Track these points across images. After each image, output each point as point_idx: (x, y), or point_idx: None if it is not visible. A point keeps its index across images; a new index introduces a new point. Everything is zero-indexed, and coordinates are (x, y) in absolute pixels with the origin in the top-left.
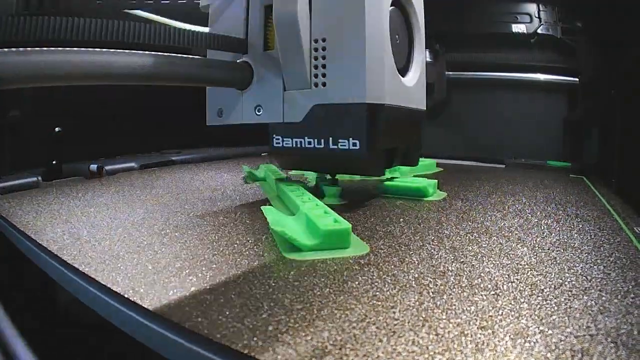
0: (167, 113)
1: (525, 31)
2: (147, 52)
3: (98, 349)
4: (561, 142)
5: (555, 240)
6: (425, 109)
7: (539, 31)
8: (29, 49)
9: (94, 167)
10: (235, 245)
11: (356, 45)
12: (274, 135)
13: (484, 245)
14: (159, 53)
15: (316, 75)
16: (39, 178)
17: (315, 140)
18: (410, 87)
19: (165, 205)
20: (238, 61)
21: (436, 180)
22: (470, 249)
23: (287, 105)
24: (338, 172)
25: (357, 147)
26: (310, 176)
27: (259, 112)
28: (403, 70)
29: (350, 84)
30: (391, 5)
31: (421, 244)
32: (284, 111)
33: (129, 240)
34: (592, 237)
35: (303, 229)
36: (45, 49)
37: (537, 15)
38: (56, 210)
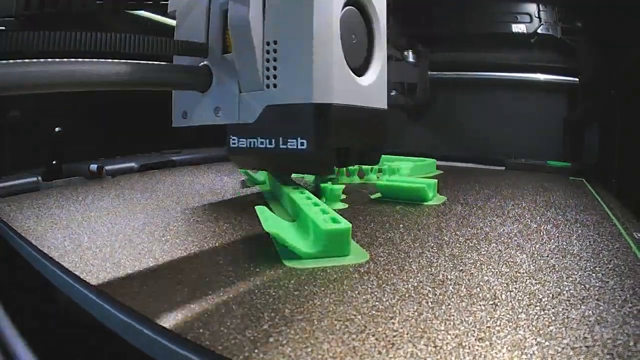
0: (167, 113)
1: (525, 31)
2: (114, 60)
3: (98, 349)
4: (561, 142)
5: (554, 246)
6: (386, 107)
7: (539, 31)
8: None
9: (94, 167)
10: (236, 253)
11: (304, 47)
12: (231, 136)
13: (483, 253)
14: (126, 61)
15: (268, 77)
16: (39, 178)
17: (267, 140)
18: (366, 86)
19: (166, 210)
20: (199, 65)
21: (436, 180)
22: (470, 256)
23: (242, 107)
24: (289, 171)
25: (305, 147)
26: (310, 178)
27: (218, 113)
28: (360, 70)
29: (298, 84)
30: (347, 5)
31: (421, 251)
32: (239, 112)
33: (130, 247)
34: (591, 243)
35: (303, 233)
36: (25, 61)
37: (537, 15)
38: (57, 214)
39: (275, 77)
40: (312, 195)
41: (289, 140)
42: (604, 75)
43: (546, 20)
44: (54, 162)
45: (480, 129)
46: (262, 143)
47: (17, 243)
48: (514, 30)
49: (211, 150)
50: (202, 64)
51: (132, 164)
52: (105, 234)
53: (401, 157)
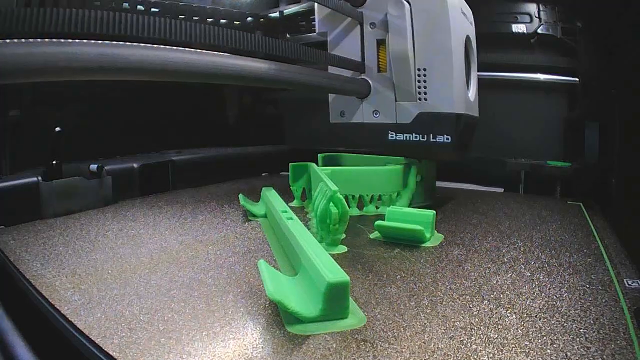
0: (167, 113)
1: (525, 31)
2: (299, 66)
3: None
4: (561, 142)
5: (543, 303)
6: (478, 115)
7: (539, 31)
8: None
9: (94, 167)
10: (241, 314)
11: (447, 73)
12: (389, 132)
13: (474, 313)
14: (310, 67)
15: (419, 92)
16: (39, 178)
17: (420, 135)
18: (472, 101)
19: (170, 254)
20: (358, 78)
21: (434, 213)
22: (461, 318)
23: (399, 111)
24: (432, 158)
25: (450, 141)
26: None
27: (376, 115)
28: (467, 88)
29: (444, 99)
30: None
31: (415, 312)
32: (396, 115)
33: (139, 304)
34: (581, 295)
35: (304, 290)
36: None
37: (537, 15)
38: (62, 254)
39: (425, 92)
40: (311, 238)
41: (437, 136)
42: (604, 75)
43: (546, 20)
44: (54, 162)
45: (480, 128)
46: (416, 137)
47: (26, 288)
48: (514, 30)
49: (211, 150)
50: (360, 77)
51: (132, 164)
52: (113, 285)
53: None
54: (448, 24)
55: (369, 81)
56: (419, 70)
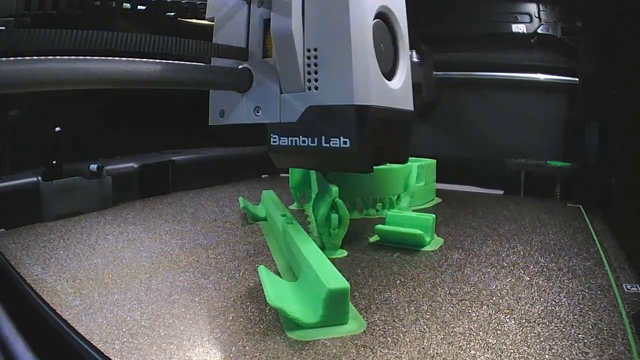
0: (167, 113)
1: (525, 31)
2: (157, 60)
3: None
4: (561, 142)
5: (542, 308)
6: (412, 109)
7: (539, 31)
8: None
9: (94, 167)
10: (241, 320)
11: (344, 54)
12: (272, 135)
13: (474, 318)
14: (168, 61)
15: (309, 80)
16: (39, 178)
17: (309, 138)
18: (396, 90)
19: (170, 259)
20: (239, 67)
21: (434, 217)
22: (461, 323)
23: (284, 107)
24: (329, 169)
25: (348, 145)
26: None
27: (257, 113)
28: (389, 75)
29: (339, 87)
30: (375, 19)
31: (415, 317)
32: (280, 112)
33: (140, 309)
34: (580, 300)
35: (305, 295)
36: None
37: (537, 15)
38: (63, 259)
39: (316, 80)
40: (311, 243)
41: (331, 138)
42: (604, 75)
43: (546, 20)
44: (54, 162)
45: (480, 128)
46: (304, 141)
47: (27, 292)
48: (514, 30)
49: (211, 150)
50: (241, 66)
51: (132, 164)
52: (114, 290)
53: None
54: None
55: (251, 70)
56: (308, 51)
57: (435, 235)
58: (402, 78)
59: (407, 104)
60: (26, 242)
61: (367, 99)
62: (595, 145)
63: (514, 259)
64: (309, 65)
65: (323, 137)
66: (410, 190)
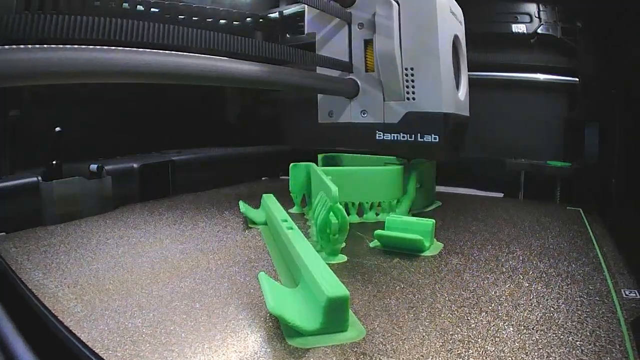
0: (167, 113)
1: (525, 31)
2: (290, 68)
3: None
4: (561, 142)
5: (541, 315)
6: (469, 115)
7: (539, 31)
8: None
9: (94, 167)
10: (242, 326)
11: (435, 74)
12: (377, 131)
13: (472, 325)
14: (299, 70)
15: (407, 92)
16: (39, 178)
17: (408, 135)
18: (462, 100)
19: (171, 264)
20: (347, 78)
21: (433, 222)
22: (460, 330)
23: (387, 111)
24: (421, 158)
25: (437, 140)
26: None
27: (364, 115)
28: (456, 87)
29: (432, 98)
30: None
31: (414, 324)
32: (384, 115)
33: (141, 315)
34: (579, 307)
35: (305, 302)
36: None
37: (537, 15)
38: (64, 264)
39: (413, 92)
40: (311, 249)
41: (425, 135)
42: (604, 75)
43: (546, 20)
44: (54, 162)
45: (480, 128)
46: (403, 137)
47: (28, 298)
48: (514, 30)
49: (211, 150)
50: (348, 77)
51: (132, 164)
52: (115, 296)
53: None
54: (435, 23)
55: (357, 81)
56: (406, 70)
57: (435, 240)
58: (464, 91)
59: (467, 111)
60: (27, 247)
61: (450, 107)
62: (595, 145)
63: (513, 264)
64: (407, 80)
65: (419, 134)
66: (410, 194)
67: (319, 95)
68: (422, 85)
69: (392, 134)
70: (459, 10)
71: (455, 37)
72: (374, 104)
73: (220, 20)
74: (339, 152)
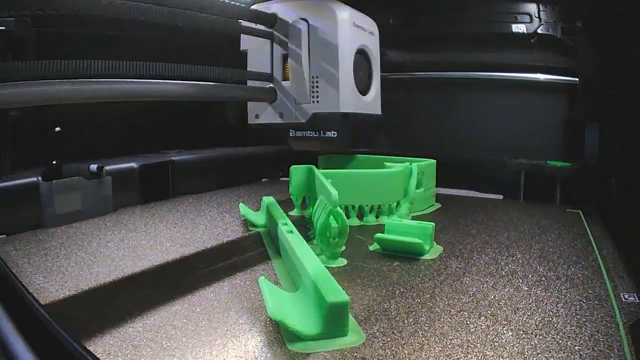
0: (167, 113)
1: (525, 31)
2: (213, 83)
3: None
4: (561, 142)
5: (540, 319)
6: (380, 113)
7: (539, 31)
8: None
9: (93, 167)
10: (243, 331)
11: (334, 80)
12: (290, 130)
13: (472, 330)
14: (222, 84)
15: (313, 96)
16: (39, 178)
17: (314, 132)
18: (368, 101)
19: (172, 268)
20: (267, 87)
21: (433, 225)
22: (459, 335)
23: (298, 113)
24: (325, 151)
25: (335, 136)
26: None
27: (281, 117)
28: (365, 91)
29: (332, 100)
30: (356, 53)
31: (414, 329)
32: (295, 116)
33: (142, 320)
34: (578, 311)
35: (305, 306)
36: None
37: (537, 15)
38: (64, 267)
39: (317, 96)
40: (311, 253)
41: (327, 132)
42: (604, 75)
43: (546, 20)
44: (54, 162)
45: (480, 128)
46: (310, 133)
47: (30, 302)
48: (514, 30)
49: (211, 150)
50: (268, 86)
51: (132, 164)
52: (117, 301)
53: (401, 157)
54: (336, 38)
55: (276, 89)
56: (312, 77)
57: (435, 243)
58: (374, 92)
59: (375, 110)
60: (27, 249)
61: (347, 108)
62: (595, 145)
63: (513, 267)
64: (313, 86)
65: (321, 131)
66: (410, 197)
67: (248, 102)
68: (325, 90)
69: (302, 132)
70: (368, 22)
71: (363, 48)
72: (288, 107)
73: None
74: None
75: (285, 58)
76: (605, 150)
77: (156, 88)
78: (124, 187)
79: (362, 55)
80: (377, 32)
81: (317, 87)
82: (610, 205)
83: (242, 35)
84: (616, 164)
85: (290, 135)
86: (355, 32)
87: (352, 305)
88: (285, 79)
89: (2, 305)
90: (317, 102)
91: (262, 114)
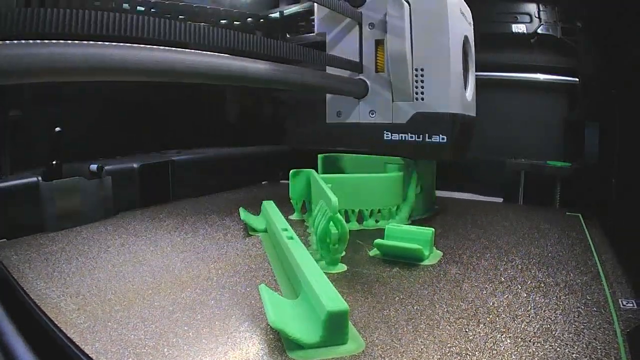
0: (167, 113)
1: (525, 31)
2: (300, 68)
3: None
4: (561, 142)
5: (538, 327)
6: (475, 116)
7: (539, 31)
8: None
9: (94, 167)
10: (243, 339)
11: (444, 76)
12: (385, 132)
13: (470, 337)
14: (308, 68)
15: (416, 92)
16: (39, 178)
17: (415, 135)
18: (469, 101)
19: (172, 273)
20: (356, 78)
21: (433, 231)
22: (457, 343)
23: (395, 111)
24: (428, 158)
25: (445, 141)
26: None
27: (372, 115)
28: (464, 87)
29: (440, 99)
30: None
31: (413, 336)
32: (392, 115)
33: (143, 327)
34: (576, 318)
35: (305, 314)
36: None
37: (537, 15)
38: (66, 272)
39: (422, 92)
40: (311, 260)
41: (433, 135)
42: (604, 75)
43: (546, 20)
44: (54, 162)
45: (480, 128)
46: (411, 137)
47: (31, 308)
48: (514, 30)
49: (211, 150)
50: (357, 77)
51: (132, 164)
52: (117, 307)
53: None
54: (446, 24)
55: (367, 81)
56: (416, 70)
57: (435, 248)
58: (472, 91)
59: (474, 112)
60: (28, 254)
61: (457, 108)
62: (595, 145)
63: (512, 273)
64: (416, 81)
65: (426, 135)
66: (410, 201)
67: (328, 96)
68: (432, 86)
69: (400, 134)
70: (468, 11)
71: (465, 38)
72: (382, 104)
73: (221, 21)
74: (339, 152)
75: (378, 45)
76: (605, 150)
77: (232, 64)
78: (124, 187)
79: (462, 47)
80: (472, 22)
81: (422, 81)
82: (610, 206)
83: (316, 15)
84: (616, 164)
85: (385, 138)
86: (461, 19)
87: (352, 312)
88: (378, 70)
89: (4, 310)
90: (422, 99)
91: (346, 111)
